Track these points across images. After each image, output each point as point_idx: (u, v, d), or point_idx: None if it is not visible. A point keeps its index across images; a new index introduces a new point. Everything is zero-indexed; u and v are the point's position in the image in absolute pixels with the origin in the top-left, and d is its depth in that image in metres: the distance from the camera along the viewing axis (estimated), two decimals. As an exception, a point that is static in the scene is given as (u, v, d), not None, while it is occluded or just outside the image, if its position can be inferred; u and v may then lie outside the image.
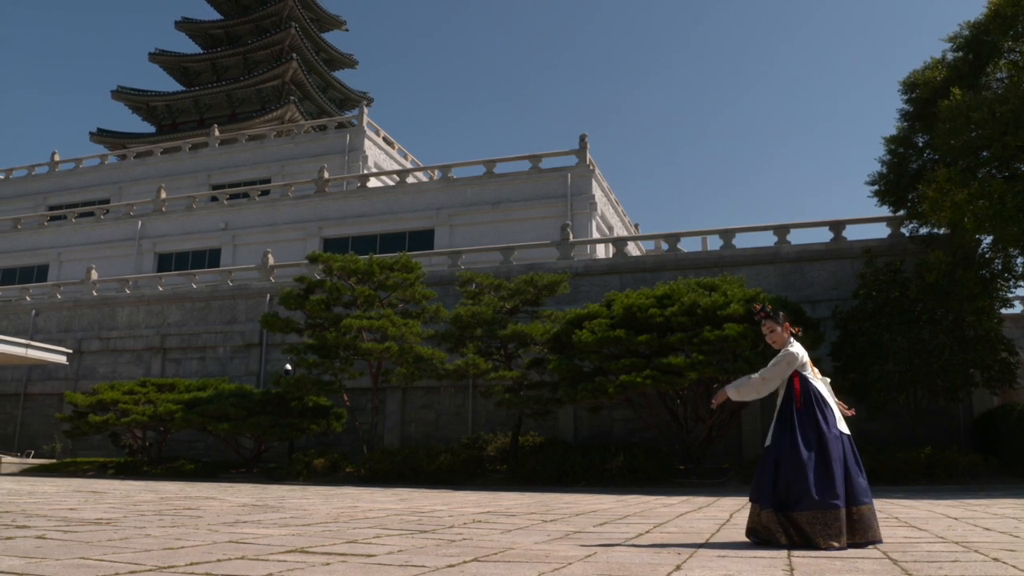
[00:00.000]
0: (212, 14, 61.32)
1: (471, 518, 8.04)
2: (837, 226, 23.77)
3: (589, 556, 4.71)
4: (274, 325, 22.94)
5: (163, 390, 24.54)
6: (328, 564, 4.27)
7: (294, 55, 54.95)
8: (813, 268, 23.47)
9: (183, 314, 29.86)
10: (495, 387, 21.43)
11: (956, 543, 5.48)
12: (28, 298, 33.17)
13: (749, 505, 5.63)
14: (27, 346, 26.40)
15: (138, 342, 29.96)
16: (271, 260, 30.09)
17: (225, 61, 58.21)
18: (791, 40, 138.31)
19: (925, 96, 19.59)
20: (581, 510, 9.51)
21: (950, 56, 19.86)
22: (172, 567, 4.06)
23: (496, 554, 4.81)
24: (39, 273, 39.28)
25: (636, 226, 42.25)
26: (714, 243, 26.62)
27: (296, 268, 28.59)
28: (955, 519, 7.70)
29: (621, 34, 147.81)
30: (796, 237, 24.35)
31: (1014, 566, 4.24)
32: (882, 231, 23.70)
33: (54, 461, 26.46)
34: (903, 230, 22.12)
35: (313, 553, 4.79)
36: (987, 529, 6.54)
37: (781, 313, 5.99)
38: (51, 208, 43.99)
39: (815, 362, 18.82)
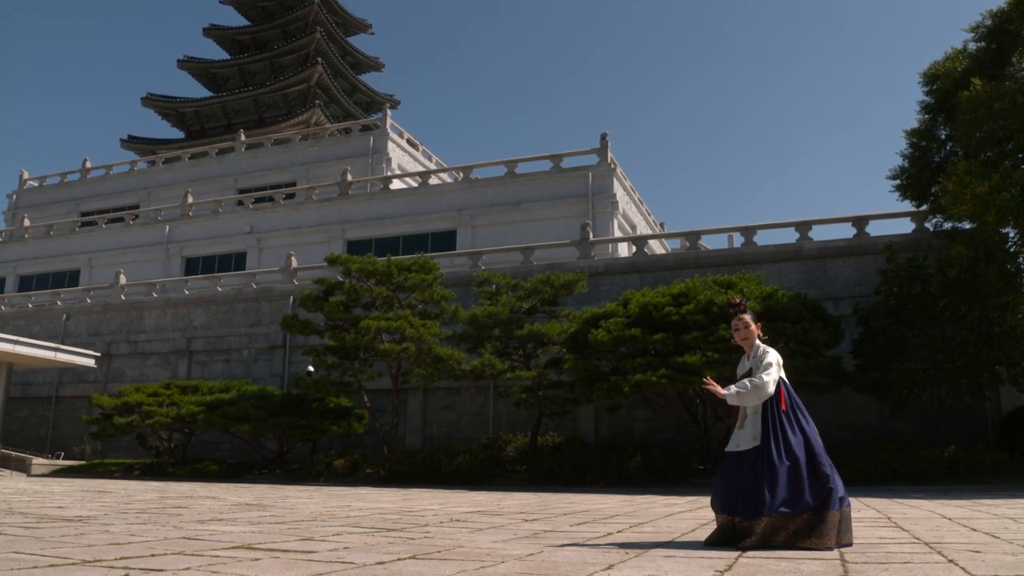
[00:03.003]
0: (239, 20, 62.14)
1: (453, 517, 7.96)
2: (860, 222, 23.30)
3: (530, 555, 4.61)
4: (294, 327, 23.07)
5: (187, 392, 24.80)
6: (258, 560, 4.22)
7: (319, 59, 55.38)
8: (835, 265, 23.04)
9: (208, 317, 30.21)
10: (512, 387, 21.35)
11: (927, 544, 5.27)
12: (59, 302, 33.83)
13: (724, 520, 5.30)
14: (56, 349, 26.89)
15: (165, 345, 30.38)
16: (294, 263, 30.33)
17: (252, 66, 58.90)
18: (812, 36, 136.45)
19: (946, 87, 19.09)
20: (574, 510, 9.39)
21: (972, 46, 19.34)
22: (99, 561, 4.05)
23: (438, 552, 4.73)
24: (71, 278, 40.04)
25: (662, 225, 41.85)
26: (739, 241, 26.29)
27: (318, 270, 28.75)
28: (949, 519, 7.45)
29: (645, 35, 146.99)
30: (819, 233, 23.98)
31: (963, 568, 4.05)
32: (906, 226, 23.19)
33: (83, 462, 26.93)
34: (927, 225, 21.60)
35: (256, 549, 4.75)
36: (973, 530, 6.30)
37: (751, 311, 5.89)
38: (83, 214, 44.84)
39: (837, 360, 18.47)
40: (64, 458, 28.43)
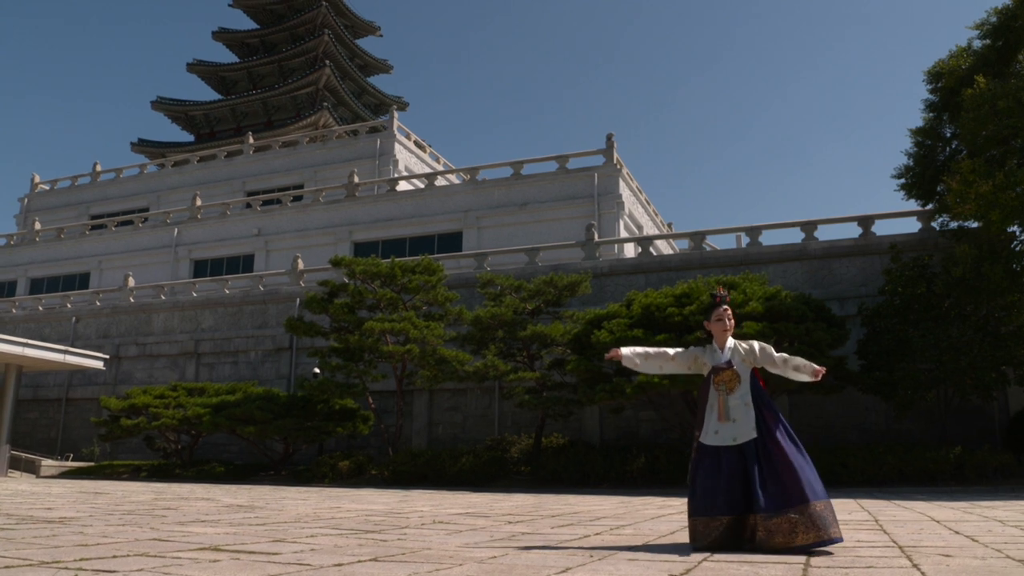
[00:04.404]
0: (248, 23, 62.41)
1: (438, 519, 7.94)
2: (866, 221, 23.13)
3: (492, 557, 4.58)
4: (298, 329, 23.12)
5: (193, 394, 24.89)
6: (216, 562, 4.22)
7: (327, 62, 55.55)
8: (841, 265, 22.88)
9: (216, 319, 30.35)
10: (516, 388, 21.32)
11: (901, 548, 5.20)
12: (69, 305, 34.07)
13: (727, 521, 5.05)
14: (65, 352, 27.04)
15: (173, 347, 30.54)
16: (301, 265, 30.42)
17: (261, 69, 59.15)
18: (818, 36, 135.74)
19: (950, 85, 18.93)
20: (564, 512, 9.35)
21: (977, 44, 19.19)
22: (56, 562, 4.06)
23: (402, 554, 4.71)
24: (81, 281, 40.34)
25: (669, 225, 41.70)
26: (746, 241, 26.15)
27: (324, 272, 28.85)
28: (936, 521, 7.36)
29: (652, 36, 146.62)
30: (825, 233, 23.81)
31: (924, 573, 3.98)
32: (912, 226, 23.01)
33: (92, 464, 27.10)
34: (933, 224, 21.42)
35: (221, 551, 4.75)
36: (956, 533, 6.22)
37: None
38: (93, 217, 45.17)
39: (842, 360, 18.28)
40: (73, 460, 28.62)
